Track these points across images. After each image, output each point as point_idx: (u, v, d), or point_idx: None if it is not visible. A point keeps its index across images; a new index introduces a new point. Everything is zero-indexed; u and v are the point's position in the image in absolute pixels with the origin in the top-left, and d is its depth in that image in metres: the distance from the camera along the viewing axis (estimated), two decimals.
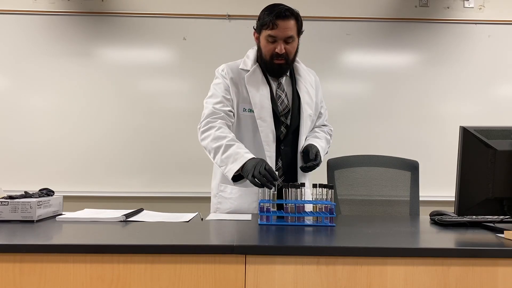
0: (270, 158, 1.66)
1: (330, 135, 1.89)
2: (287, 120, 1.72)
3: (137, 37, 2.84)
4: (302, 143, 1.72)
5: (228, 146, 1.55)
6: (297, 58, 1.79)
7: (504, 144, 1.26)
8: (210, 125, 1.63)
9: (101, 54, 2.85)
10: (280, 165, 1.71)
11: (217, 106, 1.66)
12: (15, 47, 2.81)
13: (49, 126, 2.80)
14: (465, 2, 2.92)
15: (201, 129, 1.66)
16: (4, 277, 0.99)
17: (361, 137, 2.82)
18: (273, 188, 1.39)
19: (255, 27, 1.72)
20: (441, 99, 2.89)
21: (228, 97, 1.69)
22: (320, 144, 1.74)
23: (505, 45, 2.90)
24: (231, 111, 1.68)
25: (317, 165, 1.63)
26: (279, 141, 1.70)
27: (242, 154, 1.51)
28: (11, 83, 2.82)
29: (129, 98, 2.83)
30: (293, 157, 1.72)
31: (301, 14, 1.67)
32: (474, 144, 1.27)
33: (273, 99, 1.70)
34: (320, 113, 1.87)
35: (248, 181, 1.45)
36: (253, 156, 1.50)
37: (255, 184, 1.39)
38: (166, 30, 2.85)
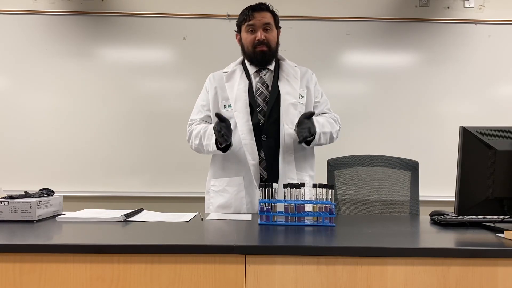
0: (249, 146, 1.72)
1: (335, 120, 1.87)
2: (267, 109, 1.76)
3: (137, 37, 2.84)
4: (283, 132, 1.73)
5: (204, 133, 1.76)
6: (284, 56, 1.89)
7: (504, 144, 1.26)
8: (189, 132, 1.84)
9: (101, 54, 2.85)
10: (262, 156, 1.74)
11: (194, 116, 1.86)
12: (15, 47, 2.81)
13: (49, 126, 2.80)
14: (465, 2, 2.92)
15: (187, 139, 1.86)
16: (4, 277, 0.99)
17: (361, 137, 2.82)
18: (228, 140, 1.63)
19: (236, 30, 1.86)
20: (441, 99, 2.89)
21: (204, 103, 1.85)
22: (316, 118, 1.77)
23: (505, 45, 2.90)
24: (208, 116, 1.84)
25: (306, 132, 1.63)
26: (259, 131, 1.74)
27: (212, 129, 1.69)
28: (11, 83, 2.82)
29: (129, 98, 2.83)
30: (275, 149, 1.74)
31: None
32: (474, 144, 1.27)
33: (251, 92, 1.78)
34: (316, 102, 1.88)
35: (233, 164, 1.75)
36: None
37: (220, 139, 1.63)
38: (166, 30, 2.85)
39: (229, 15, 2.83)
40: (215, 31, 2.84)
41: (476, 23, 2.90)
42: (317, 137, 1.71)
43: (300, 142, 1.65)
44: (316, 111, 1.87)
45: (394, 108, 2.88)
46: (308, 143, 1.74)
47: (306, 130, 1.63)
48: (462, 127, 1.29)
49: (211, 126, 1.74)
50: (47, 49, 2.82)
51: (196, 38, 2.85)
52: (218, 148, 1.71)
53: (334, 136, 1.83)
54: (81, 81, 2.82)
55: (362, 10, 2.89)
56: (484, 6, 2.92)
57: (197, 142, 1.79)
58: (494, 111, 2.87)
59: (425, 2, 2.91)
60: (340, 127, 1.88)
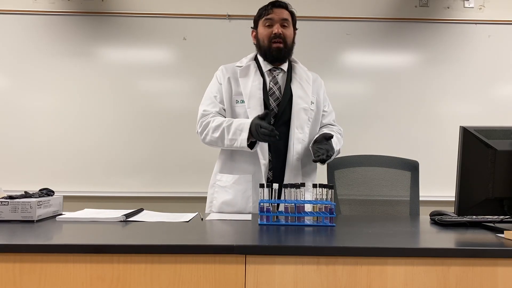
0: (261, 145, 1.70)
1: (340, 134, 1.87)
2: (278, 111, 1.74)
3: (137, 37, 2.84)
4: (293, 136, 1.72)
5: (229, 126, 1.66)
6: (296, 59, 1.88)
7: (504, 144, 1.26)
8: (204, 123, 1.73)
9: (101, 54, 2.85)
10: (269, 158, 1.72)
11: (208, 108, 1.76)
12: (15, 47, 2.81)
13: (49, 126, 2.80)
14: (465, 2, 2.92)
15: (199, 131, 1.76)
16: (4, 277, 0.99)
17: (361, 137, 2.82)
18: (277, 137, 1.55)
19: (252, 27, 1.83)
20: (441, 99, 2.89)
21: (218, 95, 1.78)
22: (335, 134, 1.75)
23: (505, 45, 2.90)
24: (222, 109, 1.77)
25: (326, 156, 1.61)
26: None
27: (244, 123, 1.64)
28: (11, 83, 2.82)
29: (129, 98, 2.83)
30: (284, 152, 1.72)
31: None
32: (474, 144, 1.27)
33: (265, 90, 1.75)
34: (324, 111, 1.88)
35: (244, 164, 1.71)
36: (252, 119, 1.62)
37: (265, 141, 1.60)
38: (166, 30, 2.85)
39: (229, 15, 2.83)
40: (215, 31, 2.84)
41: (476, 23, 2.90)
42: (333, 157, 1.71)
43: (315, 161, 1.63)
44: (324, 121, 1.87)
45: (394, 108, 2.88)
46: (323, 161, 1.71)
47: (324, 151, 1.61)
48: (462, 127, 1.29)
49: (236, 122, 1.67)
50: (47, 49, 2.82)
51: (196, 38, 2.85)
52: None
53: (340, 151, 1.84)
54: (81, 81, 2.82)
55: (362, 10, 2.90)
56: (484, 6, 2.92)
57: (216, 135, 1.68)
58: (494, 111, 2.87)
59: (425, 2, 2.91)
60: (343, 141, 1.88)
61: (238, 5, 2.82)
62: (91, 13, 2.84)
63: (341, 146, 1.85)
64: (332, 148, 1.66)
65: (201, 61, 2.81)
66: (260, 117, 1.59)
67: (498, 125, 1.31)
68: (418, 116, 2.88)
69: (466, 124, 1.30)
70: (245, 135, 1.61)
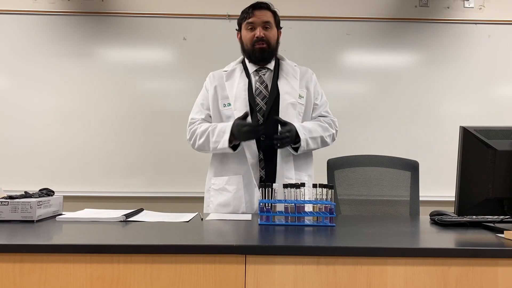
0: (248, 145, 1.72)
1: (330, 124, 1.85)
2: (266, 109, 1.75)
3: (137, 37, 2.84)
4: None
5: (213, 130, 1.74)
6: (284, 56, 1.90)
7: (504, 144, 1.26)
8: (192, 130, 1.81)
9: (101, 54, 2.85)
10: (261, 156, 1.74)
11: (195, 115, 1.84)
12: (15, 47, 2.81)
13: (49, 126, 2.80)
14: (465, 2, 2.92)
15: (188, 138, 1.83)
16: (4, 277, 0.99)
17: (361, 137, 2.82)
18: (261, 132, 1.67)
19: (237, 29, 1.87)
20: (441, 99, 2.89)
21: (204, 102, 1.85)
22: (302, 124, 1.76)
23: (505, 45, 2.90)
24: (209, 115, 1.83)
25: (282, 138, 1.65)
26: None
27: (226, 125, 1.71)
28: (11, 83, 2.82)
29: (129, 98, 2.83)
30: (274, 149, 1.73)
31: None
32: (474, 144, 1.27)
33: (251, 91, 1.77)
34: (316, 104, 1.87)
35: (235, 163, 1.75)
36: (234, 121, 1.69)
37: (250, 139, 1.68)
38: (166, 30, 2.85)
39: (229, 15, 2.83)
40: (215, 31, 2.84)
41: (476, 23, 2.90)
42: (303, 143, 1.71)
43: (278, 147, 1.69)
44: (314, 114, 1.87)
45: (394, 108, 2.88)
46: (296, 149, 1.74)
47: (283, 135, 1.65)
48: (462, 127, 1.29)
49: (220, 125, 1.73)
50: (47, 49, 2.82)
51: (196, 38, 2.85)
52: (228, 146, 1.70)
53: (327, 140, 1.82)
54: (81, 81, 2.82)
55: (362, 10, 2.89)
56: (484, 6, 2.92)
57: (202, 140, 1.76)
58: (494, 111, 2.87)
59: (425, 2, 2.91)
60: (336, 130, 1.87)
61: (238, 5, 2.78)
62: (91, 13, 2.83)
63: (331, 135, 1.83)
64: (287, 132, 1.66)
65: (201, 61, 2.81)
66: (240, 118, 1.66)
67: (498, 125, 1.31)
68: (418, 116, 2.88)
69: (466, 124, 1.30)
70: (226, 136, 1.68)
